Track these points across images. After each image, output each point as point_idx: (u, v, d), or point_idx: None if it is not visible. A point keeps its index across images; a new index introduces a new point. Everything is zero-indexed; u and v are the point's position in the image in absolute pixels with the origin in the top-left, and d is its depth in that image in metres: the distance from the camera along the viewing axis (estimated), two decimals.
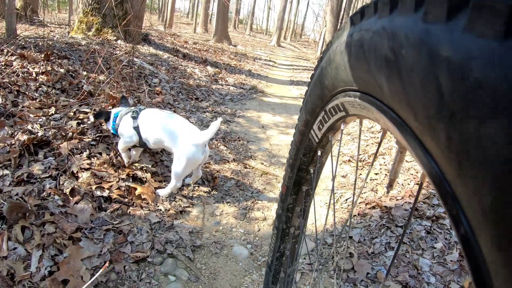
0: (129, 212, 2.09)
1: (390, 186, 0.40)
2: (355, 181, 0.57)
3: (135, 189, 2.24)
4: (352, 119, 0.59)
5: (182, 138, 2.27)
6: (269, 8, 53.60)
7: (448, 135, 0.24)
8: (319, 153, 0.74)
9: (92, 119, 2.83)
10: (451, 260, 2.06)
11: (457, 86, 0.23)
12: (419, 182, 0.35)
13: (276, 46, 25.32)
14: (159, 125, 2.34)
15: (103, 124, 2.84)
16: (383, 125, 0.41)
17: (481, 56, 0.21)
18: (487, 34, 0.21)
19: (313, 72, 0.67)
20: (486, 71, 0.21)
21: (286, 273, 1.07)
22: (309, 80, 0.70)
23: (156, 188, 2.40)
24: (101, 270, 1.11)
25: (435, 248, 2.17)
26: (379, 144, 0.52)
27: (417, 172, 3.06)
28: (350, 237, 2.34)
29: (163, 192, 2.40)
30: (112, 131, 2.56)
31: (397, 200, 2.67)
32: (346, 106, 0.53)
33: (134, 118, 2.43)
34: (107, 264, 1.15)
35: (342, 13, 13.87)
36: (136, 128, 2.39)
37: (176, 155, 2.30)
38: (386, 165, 3.31)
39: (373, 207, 2.61)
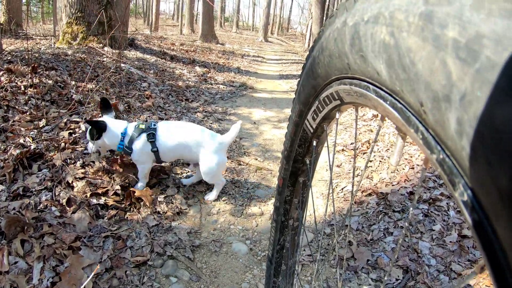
0: (127, 217, 2.10)
1: (391, 171, 0.40)
2: (353, 169, 0.58)
3: (133, 192, 2.25)
4: (347, 108, 0.58)
5: (208, 145, 2.35)
6: (254, 4, 53.49)
7: (459, 117, 0.23)
8: (314, 143, 0.73)
9: (83, 127, 2.83)
10: (450, 241, 2.08)
11: (467, 67, 0.22)
12: (422, 167, 0.34)
13: (263, 42, 25.29)
14: (182, 139, 2.32)
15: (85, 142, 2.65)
16: (381, 111, 0.39)
17: (491, 35, 0.20)
18: (497, 11, 0.20)
19: (305, 62, 0.65)
20: (497, 50, 0.20)
21: (288, 265, 1.07)
22: (301, 70, 0.69)
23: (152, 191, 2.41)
24: (93, 272, 1.12)
25: (434, 230, 2.19)
26: (377, 132, 0.50)
27: (411, 157, 3.08)
28: (347, 225, 2.37)
29: (212, 196, 2.51)
30: (118, 150, 2.37)
31: (392, 185, 2.69)
32: (341, 94, 0.51)
33: (152, 141, 2.28)
34: (98, 266, 1.16)
35: (327, 3, 13.85)
36: (156, 152, 2.31)
37: (205, 163, 2.36)
38: (379, 152, 3.34)
39: (369, 194, 2.64)
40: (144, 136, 2.28)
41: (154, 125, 2.33)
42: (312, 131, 0.70)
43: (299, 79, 0.71)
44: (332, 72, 0.50)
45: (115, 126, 2.33)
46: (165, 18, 47.50)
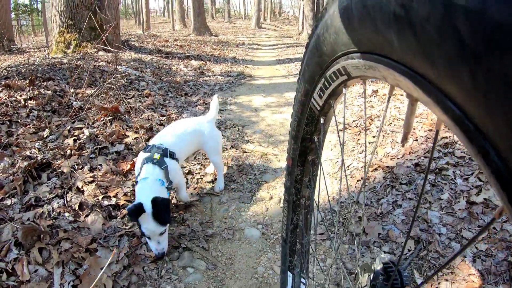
0: None
1: (404, 139, 0.41)
2: (365, 142, 0.58)
3: None
4: (354, 82, 0.58)
5: (204, 128, 2.46)
6: None
7: (473, 75, 0.24)
8: (322, 120, 0.73)
9: (87, 133, 2.86)
10: (459, 209, 2.08)
11: (478, 30, 0.23)
12: (435, 130, 0.35)
13: (257, 29, 25.13)
14: (187, 138, 2.35)
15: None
16: (391, 81, 0.40)
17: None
18: None
19: (308, 41, 0.66)
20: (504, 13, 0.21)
21: (302, 244, 1.08)
22: (304, 49, 0.69)
23: None
24: (110, 258, 1.16)
25: (442, 199, 2.19)
26: (388, 100, 0.51)
27: (414, 129, 3.08)
28: (357, 202, 2.39)
29: (221, 185, 2.59)
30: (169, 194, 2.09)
31: (398, 158, 2.70)
32: (348, 69, 0.52)
33: (161, 165, 2.01)
34: (115, 251, 1.20)
35: None
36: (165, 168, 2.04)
37: (211, 143, 2.48)
38: (383, 127, 3.34)
39: (375, 169, 2.65)
40: (169, 161, 2.07)
41: (161, 144, 2.12)
42: (319, 109, 0.70)
43: (302, 58, 0.71)
44: (338, 48, 0.51)
45: (151, 187, 1.91)
46: (156, 15, 47.28)
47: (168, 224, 1.82)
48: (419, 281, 1.77)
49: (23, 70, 4.29)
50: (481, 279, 1.66)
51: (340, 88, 0.61)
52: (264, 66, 8.50)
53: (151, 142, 2.20)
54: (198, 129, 2.43)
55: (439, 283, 1.70)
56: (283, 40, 16.49)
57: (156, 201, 1.74)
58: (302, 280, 1.14)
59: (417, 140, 2.90)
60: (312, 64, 0.64)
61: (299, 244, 1.08)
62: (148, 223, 1.73)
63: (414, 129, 3.08)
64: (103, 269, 1.38)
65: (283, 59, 9.59)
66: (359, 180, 2.62)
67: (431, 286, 1.71)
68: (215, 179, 2.65)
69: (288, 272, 1.14)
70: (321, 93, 0.66)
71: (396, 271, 0.64)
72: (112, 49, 5.78)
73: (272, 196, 2.50)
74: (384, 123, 3.38)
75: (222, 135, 3.51)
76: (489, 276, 1.66)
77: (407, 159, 2.65)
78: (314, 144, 0.81)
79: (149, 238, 1.78)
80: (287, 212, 1.03)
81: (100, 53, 6.10)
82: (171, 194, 2.35)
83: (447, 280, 1.71)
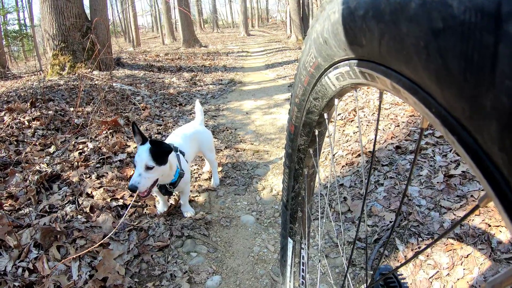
0: (145, 212, 2.37)
1: None
2: (361, 143, 0.67)
3: None
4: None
5: (199, 130, 2.66)
6: (230, 1, 53.48)
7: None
8: (336, 101, 0.67)
9: (91, 146, 3.09)
10: (437, 182, 2.25)
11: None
12: (420, 128, 0.37)
13: (246, 36, 25.45)
14: (190, 141, 2.53)
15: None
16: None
17: None
18: None
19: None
20: None
21: (304, 211, 1.06)
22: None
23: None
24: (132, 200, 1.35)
25: (421, 175, 2.37)
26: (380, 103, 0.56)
27: (396, 116, 3.31)
28: (342, 184, 2.61)
29: (217, 181, 2.81)
30: (173, 181, 2.17)
31: (380, 144, 2.92)
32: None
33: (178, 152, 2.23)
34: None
35: None
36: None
37: (206, 143, 2.70)
38: (366, 117, 3.57)
39: (359, 155, 2.87)
40: (181, 157, 2.24)
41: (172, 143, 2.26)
42: (334, 89, 0.61)
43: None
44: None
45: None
46: (145, 31, 47.63)
47: (158, 167, 1.92)
48: (401, 247, 1.96)
49: (22, 94, 4.52)
50: (460, 241, 1.82)
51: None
52: (253, 72, 8.76)
53: None
54: (195, 131, 2.63)
55: (419, 247, 1.89)
56: (272, 45, 16.76)
57: (155, 141, 1.93)
58: (302, 246, 1.16)
59: (398, 126, 3.12)
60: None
61: (301, 212, 1.07)
62: (141, 153, 1.91)
63: (396, 116, 3.31)
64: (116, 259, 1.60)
65: (272, 63, 9.84)
66: (344, 166, 2.84)
67: (412, 250, 1.90)
68: (211, 176, 2.87)
69: (289, 238, 1.16)
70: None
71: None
72: (106, 68, 6.01)
73: (264, 187, 2.74)
74: (368, 114, 3.61)
75: (216, 138, 3.75)
76: (467, 238, 1.80)
77: (388, 144, 2.86)
78: (322, 118, 0.75)
79: (135, 166, 1.92)
80: (288, 179, 1.01)
81: (95, 72, 6.34)
82: (175, 197, 2.53)
83: (426, 245, 1.90)
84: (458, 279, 1.65)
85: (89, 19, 7.11)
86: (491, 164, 0.24)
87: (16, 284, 1.72)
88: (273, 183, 2.82)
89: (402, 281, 0.70)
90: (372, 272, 0.70)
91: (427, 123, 0.34)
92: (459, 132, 0.26)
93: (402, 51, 0.30)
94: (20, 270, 1.86)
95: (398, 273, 0.72)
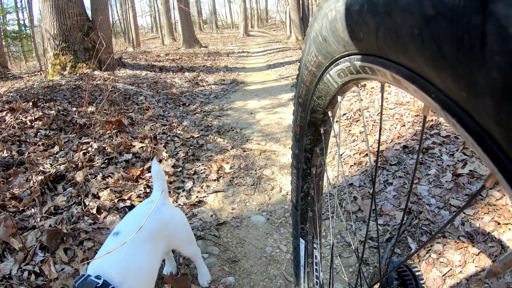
0: None
1: None
2: (366, 141, 0.65)
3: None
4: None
5: (159, 219, 1.52)
6: (229, 2, 53.52)
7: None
8: (339, 99, 0.67)
9: (95, 146, 3.05)
10: (446, 181, 2.25)
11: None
12: (423, 116, 0.38)
13: (245, 37, 25.45)
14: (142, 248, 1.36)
15: None
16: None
17: None
18: None
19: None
20: None
21: (314, 211, 1.07)
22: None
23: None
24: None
25: (430, 174, 2.37)
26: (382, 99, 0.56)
27: (401, 116, 3.29)
28: (351, 184, 2.58)
29: (208, 276, 1.88)
30: None
31: (387, 143, 2.90)
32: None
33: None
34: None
35: None
36: None
37: (179, 234, 1.71)
38: (371, 117, 3.55)
39: (366, 155, 2.85)
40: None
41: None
42: (336, 86, 0.63)
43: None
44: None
45: None
46: (145, 32, 47.57)
47: None
48: (413, 246, 1.95)
49: (23, 94, 4.47)
50: (471, 239, 1.82)
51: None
52: (255, 72, 8.73)
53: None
54: (157, 219, 1.49)
55: (431, 246, 1.88)
56: (272, 45, 16.75)
57: None
58: (315, 246, 1.14)
59: (404, 125, 3.10)
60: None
61: (311, 211, 1.08)
62: None
63: (402, 116, 3.29)
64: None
65: (273, 63, 9.82)
66: (352, 165, 2.81)
67: (423, 248, 1.89)
68: (219, 177, 2.83)
69: (301, 239, 1.16)
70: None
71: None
72: (107, 68, 5.98)
73: (273, 187, 2.70)
74: (373, 114, 3.58)
75: (222, 138, 3.71)
76: (478, 236, 1.81)
77: (395, 143, 2.84)
78: (327, 116, 0.75)
79: None
80: (296, 179, 1.03)
81: (96, 72, 6.30)
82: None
83: (438, 243, 1.88)
84: (471, 276, 1.65)
85: (90, 19, 7.07)
86: (491, 141, 0.25)
87: None
88: (282, 183, 2.78)
89: (417, 273, 0.70)
90: (386, 266, 0.71)
91: (429, 110, 0.35)
92: (458, 114, 0.27)
93: (398, 41, 0.32)
94: (26, 273, 1.81)
95: (412, 267, 0.73)
